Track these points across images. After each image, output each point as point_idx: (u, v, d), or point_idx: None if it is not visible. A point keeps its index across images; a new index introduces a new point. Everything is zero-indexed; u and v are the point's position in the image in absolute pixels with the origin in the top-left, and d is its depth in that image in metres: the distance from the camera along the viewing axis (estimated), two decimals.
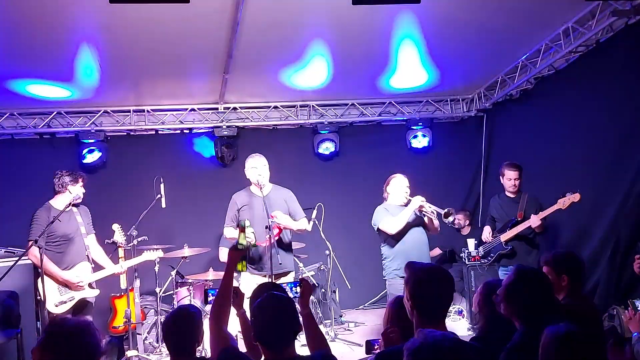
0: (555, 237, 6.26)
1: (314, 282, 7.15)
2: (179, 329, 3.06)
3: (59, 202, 5.31)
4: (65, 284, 5.19)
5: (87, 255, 5.37)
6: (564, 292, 3.58)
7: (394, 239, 5.51)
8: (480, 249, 6.31)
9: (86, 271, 5.32)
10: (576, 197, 5.37)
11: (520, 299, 2.84)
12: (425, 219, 5.54)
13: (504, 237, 5.90)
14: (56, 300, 5.08)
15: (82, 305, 5.29)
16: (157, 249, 5.79)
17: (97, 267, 5.49)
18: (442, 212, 5.49)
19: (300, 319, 2.93)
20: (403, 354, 2.58)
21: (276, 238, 5.05)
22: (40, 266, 4.95)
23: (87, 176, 5.56)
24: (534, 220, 5.59)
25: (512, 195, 6.04)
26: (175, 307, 6.24)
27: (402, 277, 5.46)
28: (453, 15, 5.48)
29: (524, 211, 5.84)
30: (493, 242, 6.05)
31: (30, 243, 4.89)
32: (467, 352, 2.10)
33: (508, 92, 7.67)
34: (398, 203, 5.59)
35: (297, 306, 3.06)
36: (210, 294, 3.79)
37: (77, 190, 5.30)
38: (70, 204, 5.24)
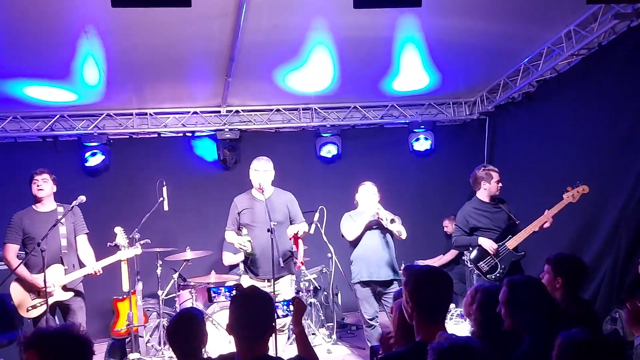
0: (557, 239, 6.23)
1: (315, 286, 7.15)
2: (184, 331, 3.05)
3: (42, 204, 5.25)
4: (37, 289, 5.00)
5: (61, 257, 5.15)
6: (559, 294, 3.60)
7: (354, 244, 5.70)
8: (482, 264, 5.50)
9: (58, 274, 5.11)
10: (585, 188, 5.14)
11: (519, 309, 2.86)
12: (383, 224, 5.57)
13: (511, 244, 5.39)
14: (28, 305, 5.00)
15: (65, 309, 5.16)
16: (135, 247, 5.53)
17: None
18: (389, 218, 5.52)
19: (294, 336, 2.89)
20: (404, 358, 2.59)
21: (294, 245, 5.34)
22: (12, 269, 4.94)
23: (42, 170, 5.23)
24: (549, 217, 5.26)
25: (490, 202, 5.64)
26: (178, 310, 6.25)
27: (360, 282, 5.56)
28: (455, 18, 5.49)
29: (511, 214, 5.56)
30: (500, 253, 5.43)
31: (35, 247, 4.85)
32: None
33: (510, 95, 7.68)
34: (364, 210, 5.67)
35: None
36: (213, 292, 3.78)
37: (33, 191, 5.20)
38: (72, 207, 5.19)
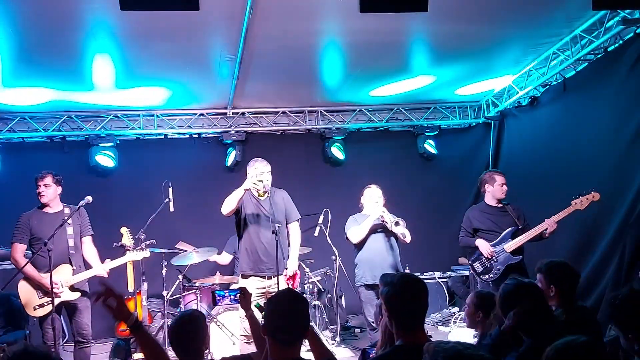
0: (561, 245, 6.23)
1: (319, 288, 7.16)
2: (186, 333, 3.03)
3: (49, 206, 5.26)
4: (45, 288, 4.99)
5: (69, 258, 5.16)
6: (554, 302, 3.60)
7: (358, 247, 5.71)
8: (477, 264, 5.63)
9: (66, 273, 5.11)
10: (596, 196, 5.10)
11: (511, 314, 2.89)
12: (388, 226, 5.59)
13: (509, 247, 5.45)
14: (35, 304, 5.01)
15: (72, 309, 5.18)
16: (143, 250, 5.54)
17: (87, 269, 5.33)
18: (394, 221, 5.54)
19: None
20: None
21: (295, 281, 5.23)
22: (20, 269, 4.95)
23: (43, 174, 5.22)
24: (551, 223, 5.25)
25: (497, 205, 5.70)
26: (180, 312, 6.27)
27: (364, 285, 5.57)
28: (460, 23, 5.50)
29: (518, 219, 5.57)
30: (497, 255, 5.49)
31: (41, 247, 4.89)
32: None
33: (516, 100, 7.68)
34: (369, 213, 5.68)
35: None
36: (218, 295, 3.77)
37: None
38: (78, 208, 5.22)
